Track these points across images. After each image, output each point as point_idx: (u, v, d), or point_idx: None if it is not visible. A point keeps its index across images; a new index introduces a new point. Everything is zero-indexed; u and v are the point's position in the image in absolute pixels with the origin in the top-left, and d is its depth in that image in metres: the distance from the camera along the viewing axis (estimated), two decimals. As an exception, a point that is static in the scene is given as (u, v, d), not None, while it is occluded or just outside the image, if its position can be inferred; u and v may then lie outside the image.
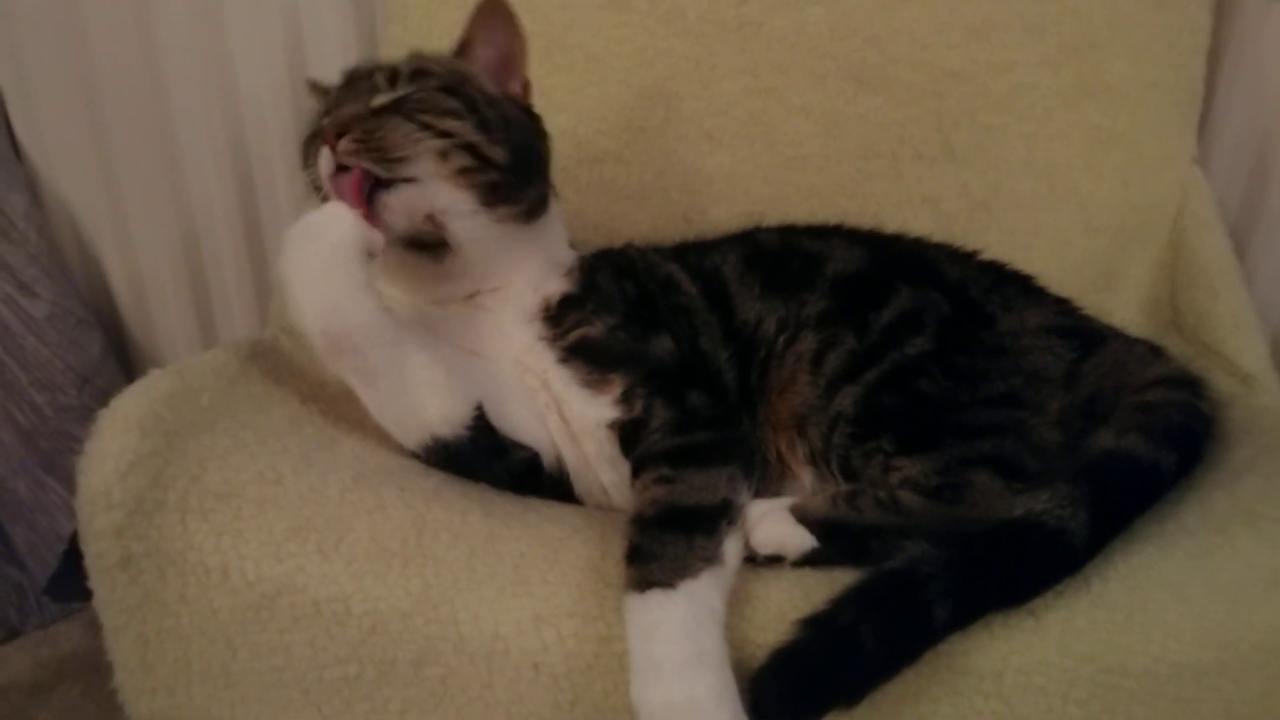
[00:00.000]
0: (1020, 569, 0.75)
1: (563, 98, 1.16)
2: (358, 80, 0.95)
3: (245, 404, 0.86)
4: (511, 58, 0.99)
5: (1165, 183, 1.21)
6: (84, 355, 1.62)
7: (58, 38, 1.53)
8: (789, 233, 1.12)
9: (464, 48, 0.99)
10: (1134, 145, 1.22)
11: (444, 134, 0.88)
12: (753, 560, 0.80)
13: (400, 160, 0.86)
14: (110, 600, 0.77)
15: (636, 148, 1.28)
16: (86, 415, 1.58)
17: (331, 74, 1.51)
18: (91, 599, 0.79)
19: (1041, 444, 0.88)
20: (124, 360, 1.72)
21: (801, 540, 0.81)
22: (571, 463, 0.93)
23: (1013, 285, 1.04)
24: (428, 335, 0.88)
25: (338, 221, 0.83)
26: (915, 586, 0.73)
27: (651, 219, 1.27)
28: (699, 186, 1.29)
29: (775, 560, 0.81)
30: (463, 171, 0.89)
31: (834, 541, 0.81)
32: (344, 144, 0.85)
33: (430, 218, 0.89)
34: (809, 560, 0.81)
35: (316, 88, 1.05)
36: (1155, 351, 0.99)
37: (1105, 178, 1.22)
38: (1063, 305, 1.03)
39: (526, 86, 1.01)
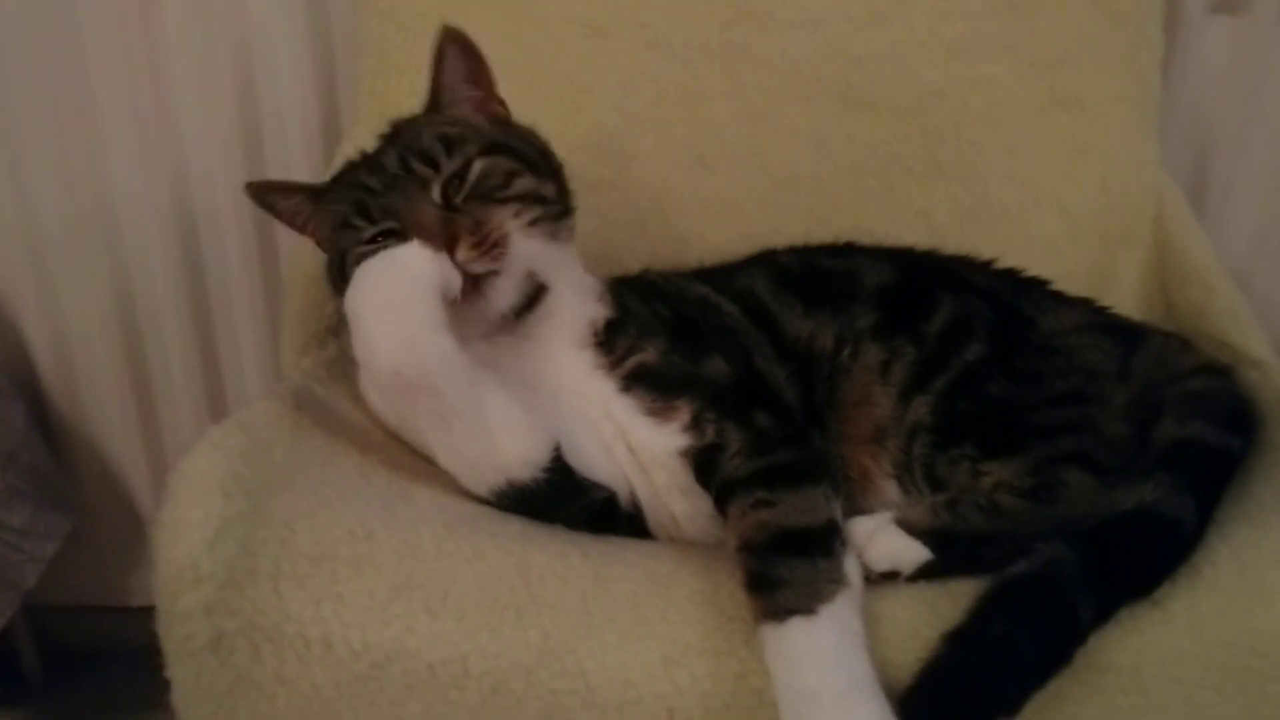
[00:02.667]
0: (1146, 560, 0.75)
1: (553, 128, 1.12)
2: (379, 170, 0.89)
3: (313, 458, 0.78)
4: (484, 83, 0.96)
5: (1139, 187, 1.26)
6: (7, 429, 1.46)
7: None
8: (806, 253, 1.11)
9: (438, 91, 0.95)
10: (1107, 153, 1.26)
11: (518, 199, 0.89)
12: (865, 578, 0.78)
13: (503, 248, 0.85)
14: (195, 688, 0.67)
15: (630, 175, 1.25)
16: (12, 497, 1.45)
17: (284, 130, 1.44)
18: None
19: (1113, 438, 0.89)
20: (48, 434, 1.56)
21: (917, 553, 0.79)
22: (643, 495, 0.89)
23: (1035, 289, 1.06)
24: (499, 374, 0.83)
25: (415, 259, 0.79)
26: (1059, 588, 0.72)
27: (650, 245, 1.24)
28: (695, 211, 1.27)
29: (890, 576, 0.79)
30: (533, 222, 0.89)
31: (946, 551, 0.79)
32: (464, 254, 0.82)
33: (529, 275, 0.88)
34: (922, 573, 0.79)
35: (273, 190, 0.96)
36: (1184, 343, 1.02)
37: (1084, 185, 1.26)
38: (1089, 304, 1.06)
39: (504, 104, 0.99)
